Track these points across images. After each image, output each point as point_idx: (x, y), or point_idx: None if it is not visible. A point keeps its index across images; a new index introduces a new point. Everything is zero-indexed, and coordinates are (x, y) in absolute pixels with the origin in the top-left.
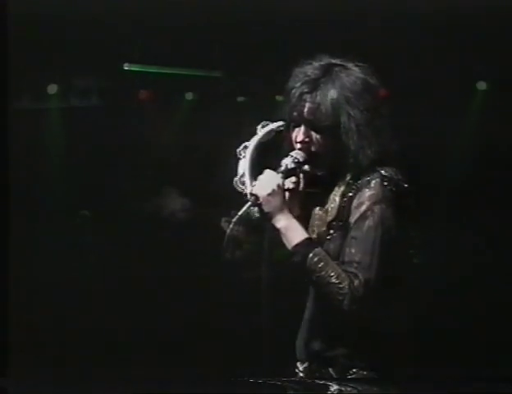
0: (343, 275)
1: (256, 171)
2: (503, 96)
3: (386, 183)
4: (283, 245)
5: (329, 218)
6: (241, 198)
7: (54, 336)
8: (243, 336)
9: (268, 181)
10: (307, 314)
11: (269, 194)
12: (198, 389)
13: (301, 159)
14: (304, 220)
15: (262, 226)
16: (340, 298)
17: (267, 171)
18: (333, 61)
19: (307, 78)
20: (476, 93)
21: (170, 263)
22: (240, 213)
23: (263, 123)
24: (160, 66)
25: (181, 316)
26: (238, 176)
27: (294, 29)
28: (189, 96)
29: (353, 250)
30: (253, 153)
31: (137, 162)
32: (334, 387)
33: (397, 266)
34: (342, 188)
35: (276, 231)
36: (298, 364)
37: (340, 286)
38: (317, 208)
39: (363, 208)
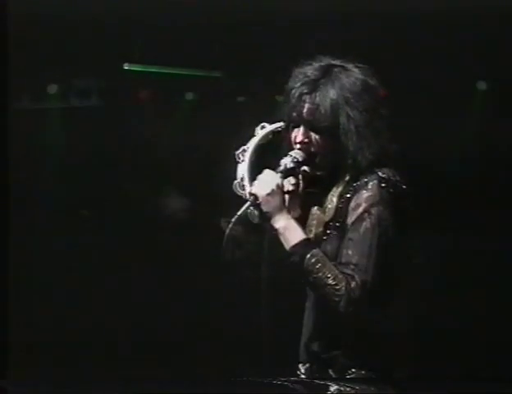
0: (340, 276)
1: (256, 175)
2: (503, 96)
3: (383, 184)
4: (282, 245)
5: (326, 219)
6: (241, 198)
7: (54, 336)
8: (243, 336)
9: (268, 181)
10: (306, 315)
11: (268, 194)
12: (198, 389)
13: (300, 159)
14: (302, 220)
15: (261, 226)
16: (337, 299)
17: (267, 171)
18: (333, 61)
19: (306, 79)
20: (476, 93)
21: (170, 263)
22: (239, 213)
23: (262, 125)
24: (160, 66)
25: (181, 316)
26: (237, 180)
27: (294, 29)
28: (189, 96)
29: (350, 252)
30: (252, 156)
31: (137, 162)
32: (333, 387)
33: (395, 267)
34: (340, 188)
35: (275, 231)
36: (299, 365)
37: (337, 287)
38: (315, 208)
39: (361, 209)
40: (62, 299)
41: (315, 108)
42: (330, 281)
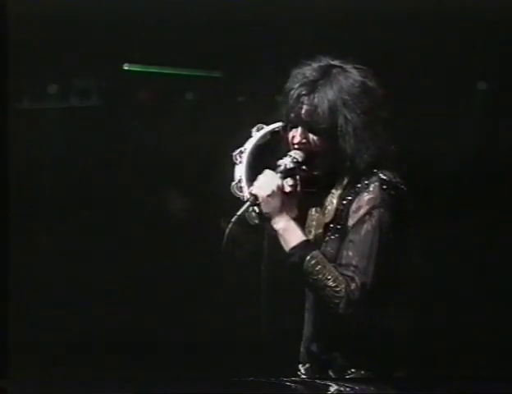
0: (340, 278)
1: (253, 176)
2: (503, 96)
3: (385, 186)
4: (281, 246)
5: (326, 220)
6: (239, 199)
7: (54, 336)
8: (243, 336)
9: (268, 182)
10: (306, 316)
11: (269, 196)
12: (198, 389)
13: (300, 159)
14: (300, 221)
15: (261, 226)
16: (337, 301)
17: (267, 172)
18: (332, 62)
19: (305, 80)
20: (476, 93)
21: (169, 263)
22: (238, 213)
23: (257, 126)
24: (160, 66)
25: (181, 316)
26: (235, 182)
27: (294, 29)
28: (189, 96)
29: (350, 253)
30: (250, 157)
31: (137, 162)
32: (333, 387)
33: (395, 269)
34: (339, 190)
35: (274, 233)
36: (299, 365)
37: (337, 289)
38: (314, 209)
39: (362, 211)
40: (62, 299)
41: (313, 110)
42: (330, 283)
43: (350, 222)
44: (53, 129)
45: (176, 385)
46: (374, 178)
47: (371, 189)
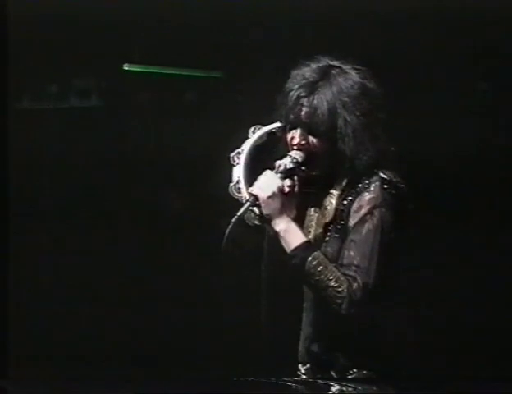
0: (342, 278)
1: (251, 177)
2: (503, 96)
3: (385, 186)
4: (282, 246)
5: (326, 220)
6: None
7: (54, 336)
8: (243, 336)
9: (268, 183)
10: (305, 316)
11: (269, 197)
12: (198, 389)
13: (300, 159)
14: (298, 221)
15: (261, 226)
16: (339, 301)
17: (268, 172)
18: (331, 62)
19: (304, 81)
20: (476, 93)
21: (169, 263)
22: (238, 214)
23: (254, 127)
24: (160, 66)
25: (181, 316)
26: (233, 183)
27: (294, 29)
28: (189, 96)
29: (352, 253)
30: (248, 158)
31: (137, 162)
32: (334, 387)
33: (396, 269)
34: (338, 191)
35: (275, 234)
36: (299, 365)
37: (339, 289)
38: (312, 210)
39: (363, 211)
40: (62, 298)
41: (312, 111)
42: (332, 283)
43: (351, 221)
44: (53, 129)
45: (176, 385)
46: (375, 178)
47: (372, 188)
